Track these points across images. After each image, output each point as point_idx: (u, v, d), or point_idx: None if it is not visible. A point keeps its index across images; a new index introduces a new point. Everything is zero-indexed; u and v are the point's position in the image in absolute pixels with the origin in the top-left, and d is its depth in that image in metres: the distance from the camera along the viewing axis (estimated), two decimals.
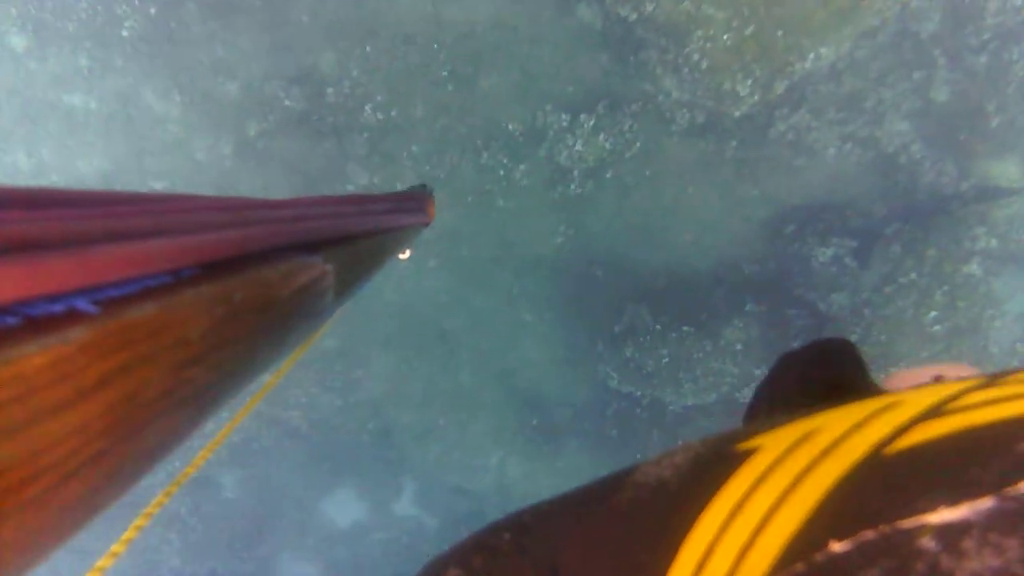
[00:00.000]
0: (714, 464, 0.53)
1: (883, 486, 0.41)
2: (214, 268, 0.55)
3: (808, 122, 5.83)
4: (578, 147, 6.01)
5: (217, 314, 0.54)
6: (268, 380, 1.03)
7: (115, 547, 0.71)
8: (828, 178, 6.09)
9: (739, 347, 6.41)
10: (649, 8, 5.18)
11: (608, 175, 6.23)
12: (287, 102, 6.12)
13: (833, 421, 0.50)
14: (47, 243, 0.40)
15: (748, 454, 0.52)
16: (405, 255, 1.57)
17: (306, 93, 6.12)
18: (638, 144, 6.07)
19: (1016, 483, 0.35)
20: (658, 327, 6.60)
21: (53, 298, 0.38)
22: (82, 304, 0.40)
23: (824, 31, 5.06)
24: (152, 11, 5.93)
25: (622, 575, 0.53)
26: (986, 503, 0.34)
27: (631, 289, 6.78)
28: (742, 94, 5.32)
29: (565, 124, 5.99)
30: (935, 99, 5.63)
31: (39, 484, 0.37)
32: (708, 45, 5.20)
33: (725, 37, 5.15)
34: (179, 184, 6.58)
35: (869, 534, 0.36)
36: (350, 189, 6.59)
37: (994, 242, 5.59)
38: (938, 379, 0.83)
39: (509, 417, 7.80)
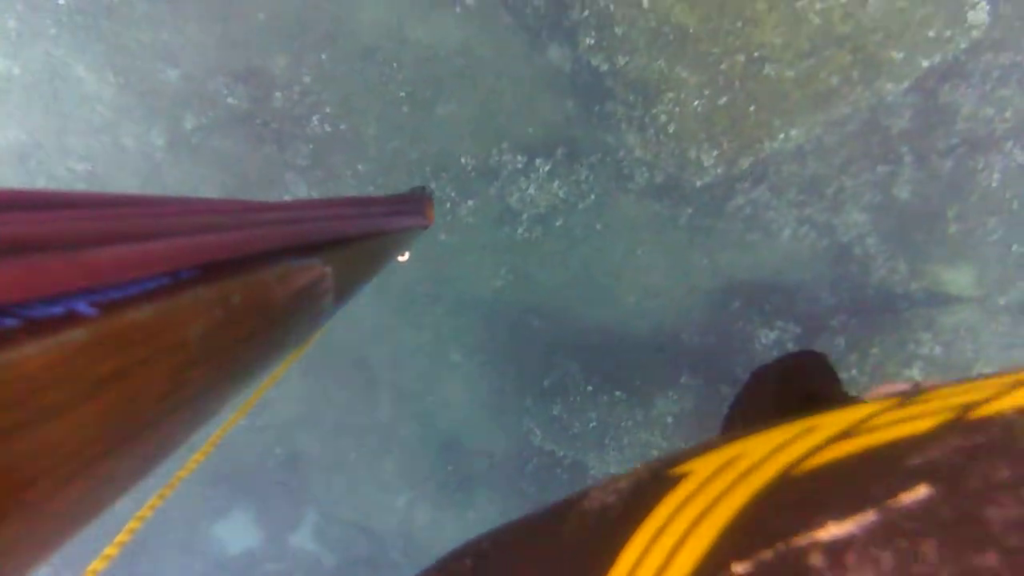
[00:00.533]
0: (649, 489, 0.55)
1: (786, 505, 0.42)
2: (213, 270, 0.56)
3: (768, 199, 5.73)
4: (531, 191, 5.80)
5: (215, 316, 0.55)
6: (265, 382, 0.96)
7: (108, 550, 0.70)
8: (780, 259, 5.99)
9: (670, 419, 6.23)
10: (622, 61, 5.02)
11: (558, 223, 6.03)
12: (230, 99, 5.78)
13: (758, 445, 0.52)
14: (47, 245, 0.41)
15: (679, 479, 0.54)
16: (404, 257, 1.60)
17: (252, 93, 5.80)
18: (592, 197, 5.90)
19: (898, 495, 0.36)
20: (589, 388, 6.40)
21: (53, 300, 0.40)
22: (81, 306, 0.41)
23: (797, 113, 4.95)
24: None
25: None
26: (869, 517, 0.36)
27: (566, 344, 6.58)
28: (706, 164, 5.17)
29: (520, 166, 5.78)
30: (897, 196, 5.57)
31: (40, 486, 0.38)
32: (677, 109, 5.06)
33: (696, 104, 5.01)
34: (101, 169, 6.18)
35: (767, 553, 0.37)
36: (286, 197, 6.26)
37: (938, 349, 5.52)
38: (915, 386, 0.82)
39: (423, 459, 7.51)
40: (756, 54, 4.79)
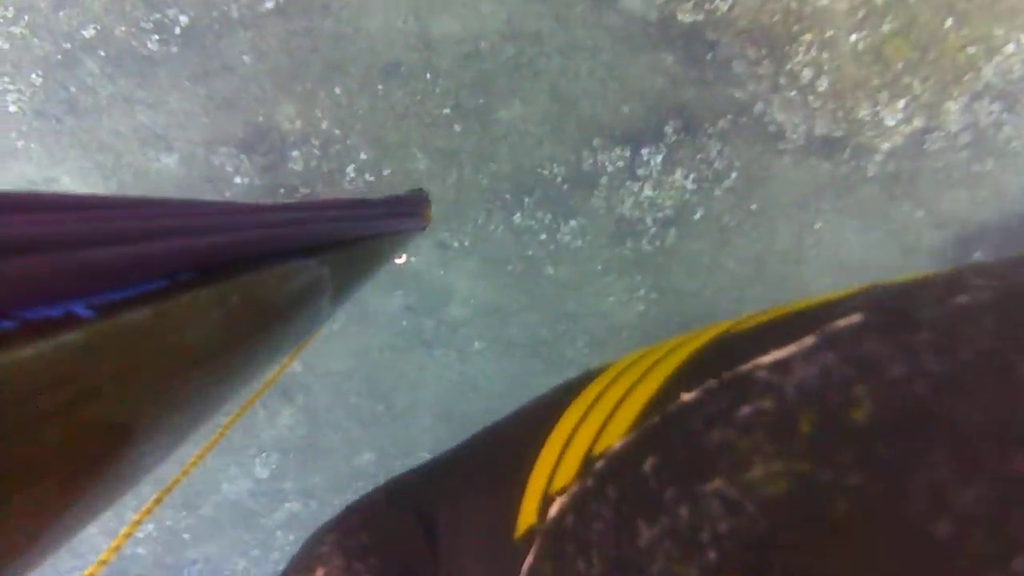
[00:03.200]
0: (576, 381, 0.66)
1: (725, 352, 0.51)
2: (211, 272, 0.63)
3: (996, 115, 4.49)
4: (646, 192, 4.88)
5: (214, 317, 0.61)
6: (263, 383, 1.08)
7: (104, 555, 0.77)
8: None
9: None
10: (722, 8, 3.92)
11: (696, 217, 5.09)
12: (238, 179, 5.22)
13: (682, 335, 0.63)
14: (44, 247, 0.46)
15: (605, 368, 0.65)
16: (401, 259, 1.68)
17: (263, 162, 5.22)
18: (734, 174, 4.89)
19: (834, 322, 0.44)
20: None
21: (50, 302, 0.44)
22: (79, 308, 0.45)
23: None
24: (36, 77, 5.09)
25: (494, 484, 0.62)
26: (809, 340, 0.43)
27: None
28: (890, 123, 4.03)
29: (623, 163, 4.85)
30: None
31: (38, 488, 0.42)
32: (824, 55, 3.92)
33: (853, 39, 3.86)
34: None
35: (713, 382, 0.45)
36: None
37: None
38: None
39: None
40: None
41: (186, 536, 6.80)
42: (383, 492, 0.80)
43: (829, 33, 3.86)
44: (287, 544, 6.95)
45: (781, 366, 0.42)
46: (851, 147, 4.70)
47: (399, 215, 1.52)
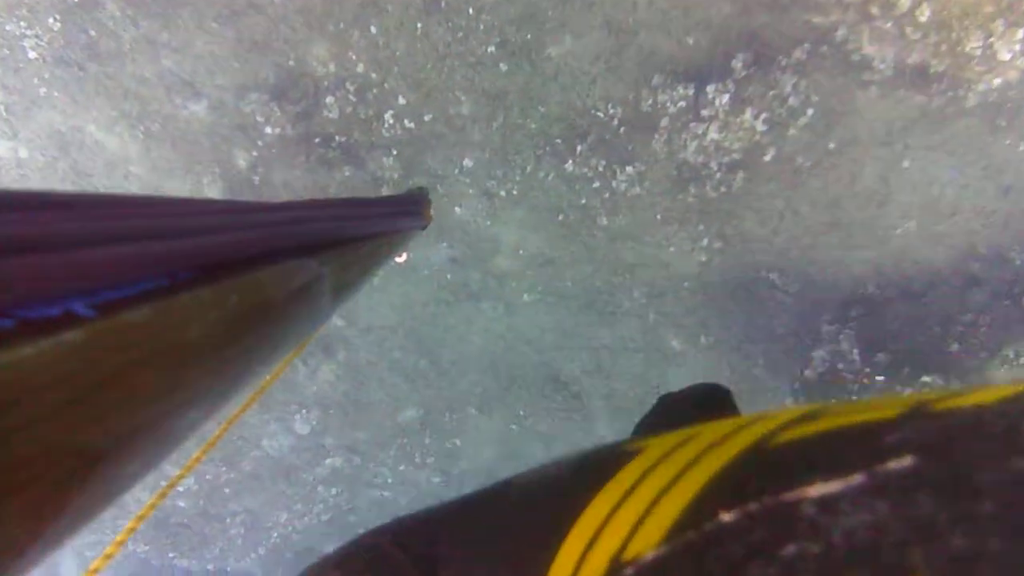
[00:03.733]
0: (604, 460, 0.65)
1: (765, 470, 0.49)
2: (210, 271, 0.63)
3: None
4: (712, 134, 4.53)
5: (213, 317, 0.61)
6: (264, 382, 1.07)
7: (109, 549, 0.77)
8: None
9: None
10: None
11: (767, 158, 4.73)
12: (269, 129, 4.98)
13: (714, 427, 0.61)
14: (44, 246, 0.46)
15: (637, 452, 0.63)
16: (402, 258, 1.46)
17: (295, 110, 4.97)
18: (811, 110, 4.52)
19: (884, 462, 0.43)
20: (870, 369, 5.20)
21: (49, 301, 0.44)
22: (78, 307, 0.45)
23: None
24: (53, 21, 4.89)
25: (507, 561, 0.61)
26: (857, 478, 0.42)
27: (829, 302, 5.34)
28: (1005, 56, 3.63)
29: (685, 104, 4.51)
30: None
31: (38, 488, 0.41)
32: None
33: None
34: None
35: (754, 506, 0.44)
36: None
37: None
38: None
39: None
40: None
41: (227, 491, 6.78)
42: (388, 535, 0.81)
43: None
44: (329, 498, 6.90)
45: (828, 505, 0.41)
46: (948, 78, 4.28)
47: (399, 214, 1.54)
